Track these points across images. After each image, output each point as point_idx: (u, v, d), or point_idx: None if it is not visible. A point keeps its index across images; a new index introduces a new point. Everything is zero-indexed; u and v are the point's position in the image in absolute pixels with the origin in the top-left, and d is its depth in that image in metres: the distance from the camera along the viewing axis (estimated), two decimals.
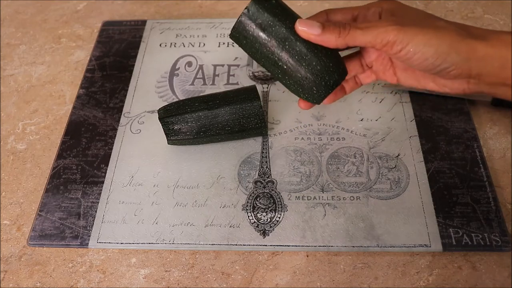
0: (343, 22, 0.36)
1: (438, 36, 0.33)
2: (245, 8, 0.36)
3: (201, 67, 0.56)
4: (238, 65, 0.55)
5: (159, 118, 0.45)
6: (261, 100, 0.45)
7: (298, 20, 0.36)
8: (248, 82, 0.54)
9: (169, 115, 0.45)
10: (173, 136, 0.46)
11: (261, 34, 0.36)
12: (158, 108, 0.47)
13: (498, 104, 0.50)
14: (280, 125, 0.49)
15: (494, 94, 0.36)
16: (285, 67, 0.37)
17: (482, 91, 0.36)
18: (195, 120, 0.45)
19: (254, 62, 0.55)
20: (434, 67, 0.34)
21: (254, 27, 0.36)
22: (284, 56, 0.36)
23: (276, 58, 0.37)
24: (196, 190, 0.45)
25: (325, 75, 0.37)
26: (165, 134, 0.46)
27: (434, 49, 0.33)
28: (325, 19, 0.38)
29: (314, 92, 0.37)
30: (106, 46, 0.59)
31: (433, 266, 0.40)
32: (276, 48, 0.36)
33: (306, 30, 0.35)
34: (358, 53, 0.41)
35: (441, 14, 0.61)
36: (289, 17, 0.36)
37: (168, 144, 0.47)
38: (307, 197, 0.44)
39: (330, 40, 0.35)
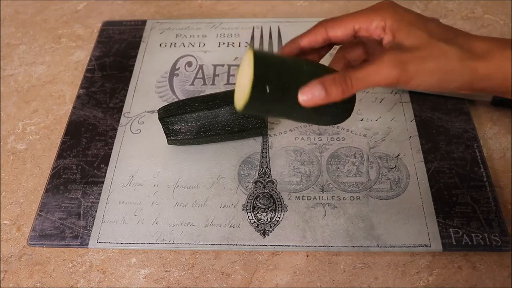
0: (342, 73, 0.33)
1: (440, 68, 0.33)
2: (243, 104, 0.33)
3: (201, 67, 0.56)
4: (238, 65, 0.55)
5: (159, 118, 0.45)
6: None
7: (299, 92, 0.33)
8: None
9: (169, 115, 0.45)
10: (173, 136, 0.46)
11: (267, 113, 0.37)
12: (158, 108, 0.47)
13: (498, 104, 0.50)
14: (280, 125, 0.49)
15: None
16: (299, 121, 0.38)
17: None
18: (195, 120, 0.45)
19: None
20: (437, 90, 0.36)
21: (257, 111, 0.37)
22: (296, 118, 0.36)
23: (288, 118, 0.36)
24: (196, 190, 0.45)
25: (338, 117, 0.37)
26: (165, 134, 0.46)
27: (436, 80, 0.33)
28: (324, 37, 0.37)
29: (332, 122, 0.38)
30: (106, 46, 0.59)
31: (433, 266, 0.40)
32: (286, 116, 0.36)
33: (310, 100, 0.33)
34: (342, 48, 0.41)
35: (441, 14, 0.61)
36: (289, 93, 0.33)
37: (168, 144, 0.47)
38: (307, 197, 0.44)
39: (335, 99, 0.33)
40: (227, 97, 0.45)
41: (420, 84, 0.33)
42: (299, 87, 0.32)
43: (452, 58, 0.33)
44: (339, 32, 0.36)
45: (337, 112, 0.36)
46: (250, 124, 0.45)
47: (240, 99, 0.33)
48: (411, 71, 0.32)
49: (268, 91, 0.32)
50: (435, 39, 0.34)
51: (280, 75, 0.33)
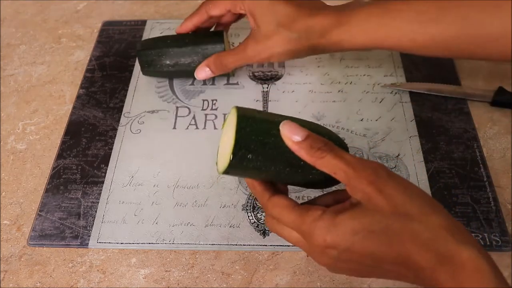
0: (217, 55, 0.49)
1: (285, 51, 0.45)
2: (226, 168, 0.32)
3: None
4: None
5: (137, 51, 0.51)
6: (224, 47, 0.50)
7: (195, 73, 0.50)
8: (248, 82, 0.54)
9: (146, 49, 0.51)
10: (147, 68, 0.52)
11: (251, 177, 0.34)
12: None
13: (498, 104, 0.50)
14: None
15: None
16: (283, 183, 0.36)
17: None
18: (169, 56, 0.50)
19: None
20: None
21: (240, 176, 0.39)
22: (279, 180, 0.35)
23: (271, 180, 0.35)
24: (196, 190, 0.45)
25: (322, 184, 0.36)
26: (140, 66, 0.52)
27: (286, 59, 0.47)
28: (207, 17, 0.49)
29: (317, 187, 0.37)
30: (106, 46, 0.59)
31: None
32: (269, 179, 0.34)
33: (202, 76, 0.48)
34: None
35: None
36: (272, 162, 0.32)
37: (144, 75, 0.54)
38: (307, 197, 0.44)
39: (217, 73, 0.50)
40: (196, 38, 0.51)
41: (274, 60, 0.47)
42: (284, 156, 0.31)
43: (292, 44, 0.44)
44: (217, 12, 0.48)
45: (321, 179, 0.33)
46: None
47: (221, 162, 0.32)
48: (264, 59, 0.46)
49: (249, 159, 0.31)
50: (281, 27, 0.44)
51: (264, 143, 0.31)
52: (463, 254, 0.27)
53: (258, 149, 0.31)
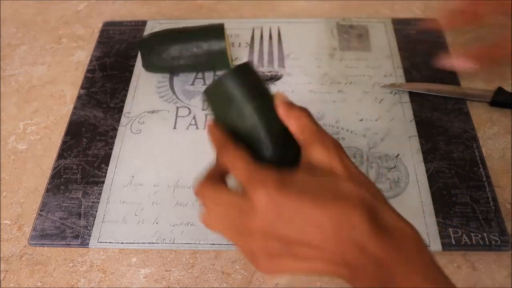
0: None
1: None
2: None
3: None
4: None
5: (138, 42, 0.53)
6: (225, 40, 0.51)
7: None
8: None
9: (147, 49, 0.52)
10: (148, 57, 0.52)
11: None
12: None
13: (498, 104, 0.50)
14: None
15: None
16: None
17: None
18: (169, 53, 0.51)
19: (254, 63, 0.56)
20: None
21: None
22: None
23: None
24: None
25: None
26: (142, 57, 0.53)
27: None
28: None
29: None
30: (106, 47, 0.59)
31: None
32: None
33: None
34: None
35: (441, 14, 0.61)
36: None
37: (144, 67, 0.54)
38: None
39: None
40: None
41: None
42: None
43: None
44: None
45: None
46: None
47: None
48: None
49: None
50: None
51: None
52: (403, 226, 0.30)
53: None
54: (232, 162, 0.33)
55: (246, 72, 0.33)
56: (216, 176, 0.34)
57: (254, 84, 0.33)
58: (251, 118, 0.32)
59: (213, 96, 0.33)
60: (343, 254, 0.29)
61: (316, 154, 0.32)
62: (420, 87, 0.52)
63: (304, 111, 0.34)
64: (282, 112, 0.33)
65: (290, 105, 0.33)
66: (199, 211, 0.33)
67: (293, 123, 0.33)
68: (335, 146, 0.32)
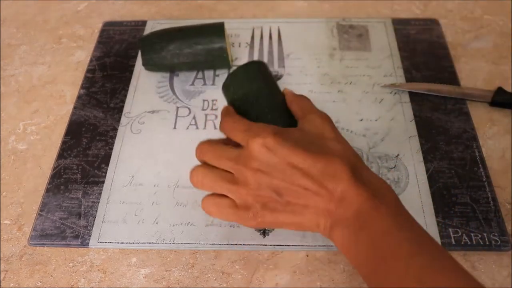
0: None
1: None
2: None
3: None
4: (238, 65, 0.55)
5: (139, 39, 0.53)
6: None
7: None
8: None
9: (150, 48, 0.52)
10: (148, 55, 0.52)
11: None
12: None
13: (498, 104, 0.50)
14: None
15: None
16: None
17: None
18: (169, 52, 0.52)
19: None
20: None
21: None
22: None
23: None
24: (196, 190, 0.44)
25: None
26: (142, 55, 0.52)
27: None
28: None
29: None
30: (106, 46, 0.59)
31: None
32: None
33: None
34: None
35: (441, 14, 0.61)
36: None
37: (144, 65, 0.53)
38: None
39: None
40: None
41: None
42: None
43: None
44: None
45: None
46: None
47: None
48: None
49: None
50: None
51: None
52: (382, 182, 0.34)
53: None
54: (233, 125, 0.37)
55: (265, 66, 0.42)
56: (217, 140, 0.38)
57: (271, 76, 0.41)
58: (263, 94, 0.40)
59: (239, 76, 0.41)
60: (326, 203, 0.33)
61: (310, 121, 0.37)
62: (420, 87, 0.52)
63: (306, 97, 0.40)
64: (288, 98, 0.40)
65: (296, 94, 0.40)
66: (193, 168, 0.37)
67: (295, 105, 0.39)
68: (327, 117, 0.38)
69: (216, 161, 0.36)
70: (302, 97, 0.40)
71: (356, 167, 0.34)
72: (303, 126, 0.37)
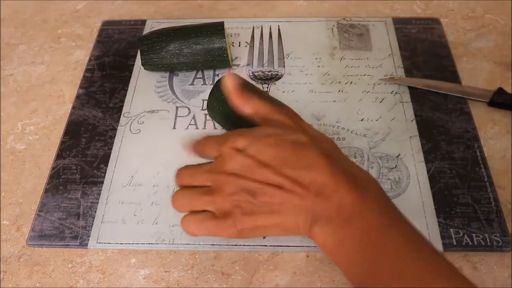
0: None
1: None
2: None
3: None
4: (238, 65, 0.55)
5: (138, 39, 0.53)
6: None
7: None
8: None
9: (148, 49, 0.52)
10: (147, 55, 0.52)
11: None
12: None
13: (497, 105, 0.50)
14: None
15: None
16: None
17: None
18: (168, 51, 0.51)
19: (254, 62, 0.55)
20: None
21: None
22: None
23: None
24: None
25: None
26: (141, 56, 0.52)
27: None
28: None
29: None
30: (105, 46, 0.58)
31: None
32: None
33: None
34: None
35: (442, 14, 0.61)
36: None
37: (143, 65, 0.53)
38: None
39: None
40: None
41: None
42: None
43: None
44: None
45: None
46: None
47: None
48: None
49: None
50: None
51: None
52: (363, 172, 0.33)
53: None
54: (203, 143, 0.37)
55: (217, 83, 0.42)
56: (194, 164, 0.38)
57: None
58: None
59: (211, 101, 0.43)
60: (301, 198, 0.31)
61: (273, 121, 0.36)
62: (420, 83, 0.51)
63: (251, 92, 0.38)
64: (234, 103, 0.37)
65: (240, 92, 0.37)
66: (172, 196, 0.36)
67: (246, 109, 0.37)
68: (288, 112, 0.37)
69: (193, 179, 0.35)
70: (248, 96, 0.37)
71: (333, 157, 0.31)
72: (269, 124, 0.36)
